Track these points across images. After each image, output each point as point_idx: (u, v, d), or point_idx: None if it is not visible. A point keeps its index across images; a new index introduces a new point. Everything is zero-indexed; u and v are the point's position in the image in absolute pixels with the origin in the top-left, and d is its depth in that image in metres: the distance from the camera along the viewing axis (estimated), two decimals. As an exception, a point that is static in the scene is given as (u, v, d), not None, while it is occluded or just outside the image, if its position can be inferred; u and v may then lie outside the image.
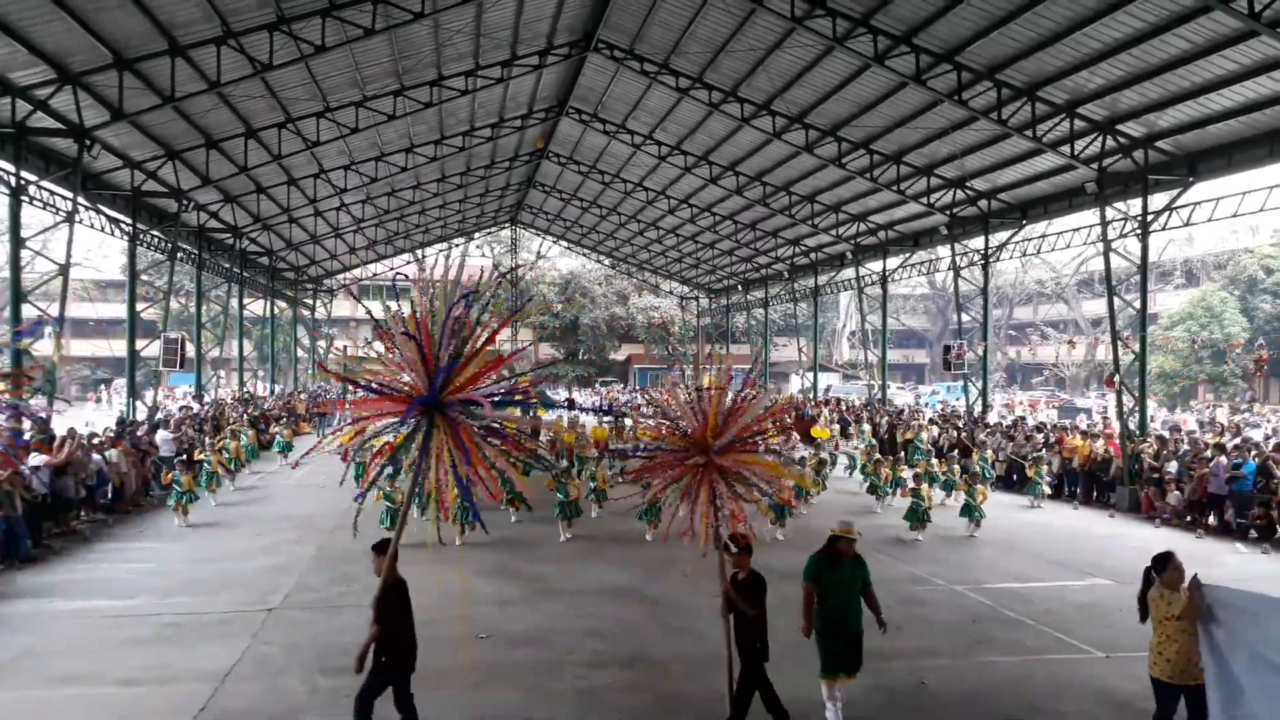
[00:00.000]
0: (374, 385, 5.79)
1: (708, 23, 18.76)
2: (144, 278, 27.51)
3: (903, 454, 21.83)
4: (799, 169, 26.05)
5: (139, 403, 23.19)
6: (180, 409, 27.68)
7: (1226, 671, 5.36)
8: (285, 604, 10.16)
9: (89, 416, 28.84)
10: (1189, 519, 15.73)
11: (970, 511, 14.45)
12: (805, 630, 6.74)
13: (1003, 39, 15.57)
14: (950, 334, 45.39)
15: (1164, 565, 5.93)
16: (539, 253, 59.39)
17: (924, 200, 24.04)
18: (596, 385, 55.60)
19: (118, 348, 30.95)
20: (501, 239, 55.79)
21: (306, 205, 29.43)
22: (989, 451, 20.04)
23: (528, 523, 14.67)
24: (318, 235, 34.62)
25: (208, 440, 19.51)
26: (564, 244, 50.20)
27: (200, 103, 18.27)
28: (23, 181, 16.90)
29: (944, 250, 28.93)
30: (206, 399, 30.29)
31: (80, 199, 19.12)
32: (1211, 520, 15.39)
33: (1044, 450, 19.71)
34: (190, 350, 24.90)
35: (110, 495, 16.15)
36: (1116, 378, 18.83)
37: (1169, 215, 19.04)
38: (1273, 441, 19.85)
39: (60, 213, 18.92)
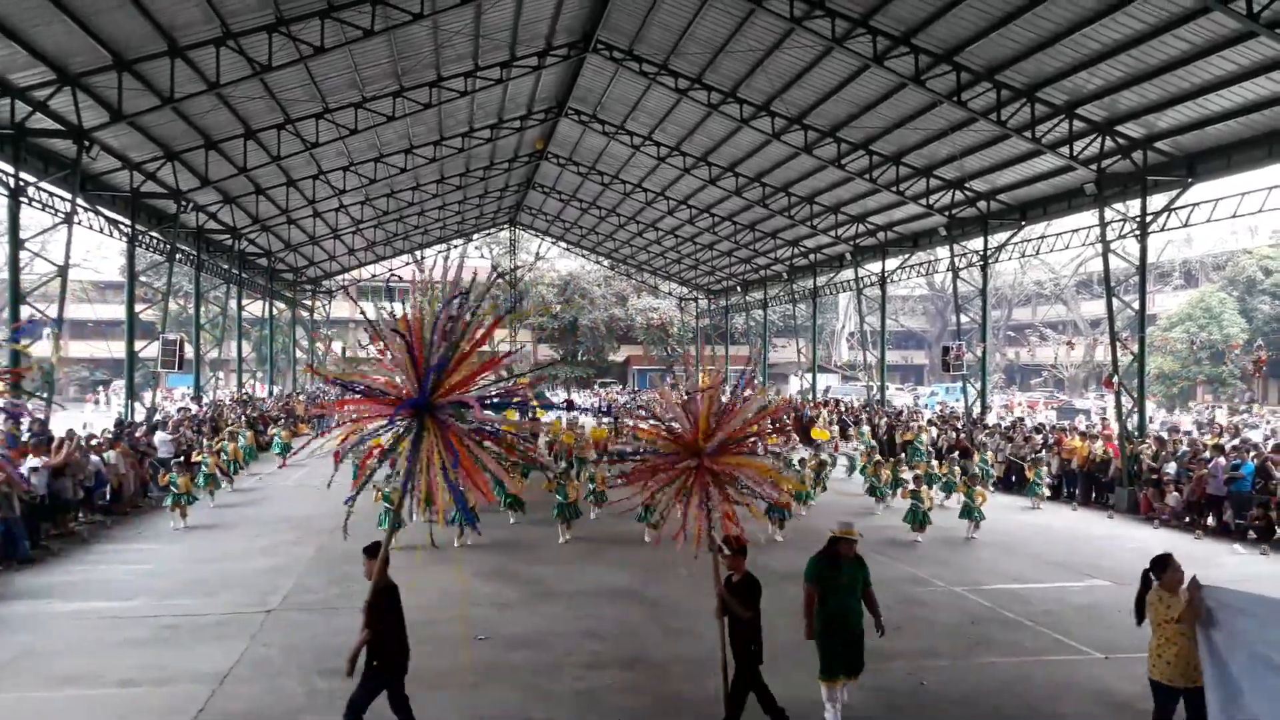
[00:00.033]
0: (363, 387, 5.77)
1: (707, 23, 18.76)
2: (143, 279, 27.50)
3: (902, 455, 21.85)
4: (798, 170, 26.05)
5: (137, 404, 23.21)
6: (179, 410, 27.70)
7: (1225, 672, 5.36)
8: (283, 605, 10.15)
9: (87, 418, 28.76)
10: (1188, 520, 15.73)
11: (970, 513, 14.44)
12: (807, 632, 6.75)
13: (1002, 40, 15.57)
14: (949, 335, 45.37)
15: (1163, 568, 5.89)
16: (538, 254, 59.34)
17: (923, 201, 24.04)
18: (595, 386, 55.58)
19: (116, 349, 30.86)
20: (500, 240, 55.71)
21: (305, 206, 29.43)
22: (988, 453, 20.02)
23: (526, 524, 14.66)
24: (316, 236, 34.61)
25: (206, 442, 19.51)
26: (563, 245, 50.12)
27: (199, 104, 18.27)
28: (22, 182, 16.91)
29: (943, 251, 28.91)
30: (205, 400, 30.31)
31: (79, 200, 19.12)
32: (1210, 521, 15.39)
33: (1043, 451, 19.72)
34: (189, 351, 24.92)
35: (108, 497, 16.15)
36: (1115, 379, 18.84)
37: (1168, 216, 19.06)
38: (1271, 442, 19.88)
39: (59, 214, 18.90)
